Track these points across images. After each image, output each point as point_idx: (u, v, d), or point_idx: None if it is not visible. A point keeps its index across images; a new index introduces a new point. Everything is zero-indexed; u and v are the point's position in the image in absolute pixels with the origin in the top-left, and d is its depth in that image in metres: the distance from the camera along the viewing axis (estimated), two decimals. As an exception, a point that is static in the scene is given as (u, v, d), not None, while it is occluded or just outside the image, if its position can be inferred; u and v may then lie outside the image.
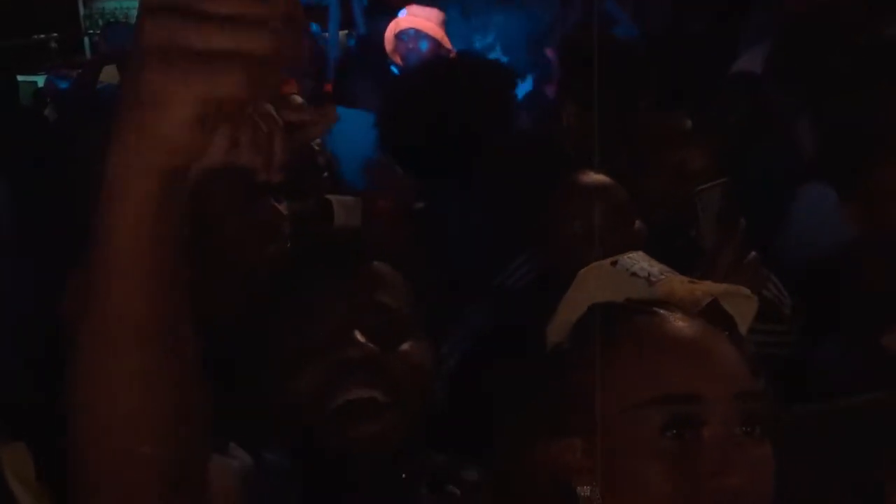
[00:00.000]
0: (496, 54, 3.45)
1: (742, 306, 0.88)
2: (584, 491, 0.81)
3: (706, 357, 0.82)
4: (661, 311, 0.85)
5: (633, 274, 0.89)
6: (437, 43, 3.33)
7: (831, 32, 2.26)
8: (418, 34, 3.31)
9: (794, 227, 2.02)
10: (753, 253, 1.26)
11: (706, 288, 0.87)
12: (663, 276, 0.89)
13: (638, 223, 1.54)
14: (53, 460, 1.28)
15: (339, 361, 0.95)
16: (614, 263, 0.93)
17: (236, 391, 1.15)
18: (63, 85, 3.97)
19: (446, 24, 3.41)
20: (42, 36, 6.81)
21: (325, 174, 1.99)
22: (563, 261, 1.42)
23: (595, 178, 1.56)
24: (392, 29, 3.38)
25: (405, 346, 0.97)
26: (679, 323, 0.84)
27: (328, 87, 3.45)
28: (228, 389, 1.04)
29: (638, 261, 0.93)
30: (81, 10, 8.22)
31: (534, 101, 3.24)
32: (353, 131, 2.24)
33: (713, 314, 0.85)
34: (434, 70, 2.38)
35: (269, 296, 1.05)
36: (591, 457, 0.80)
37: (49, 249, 1.82)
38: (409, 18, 3.36)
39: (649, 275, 0.89)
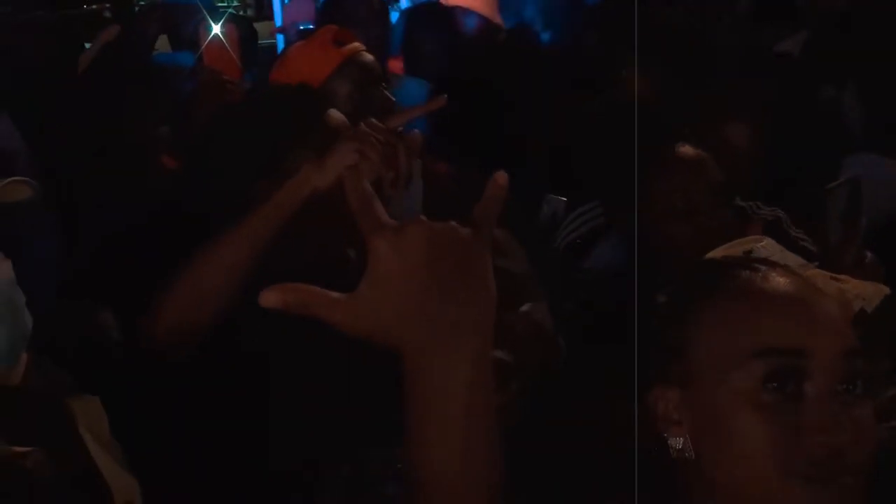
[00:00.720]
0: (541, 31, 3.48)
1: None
2: (677, 443, 0.80)
3: (813, 312, 0.80)
4: (765, 267, 0.84)
5: (821, 274, 0.87)
6: (485, 20, 3.20)
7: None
8: (465, 11, 3.19)
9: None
10: (870, 253, 1.24)
11: (856, 290, 0.84)
12: (805, 269, 0.86)
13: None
14: (125, 416, 1.28)
15: None
16: (748, 253, 0.90)
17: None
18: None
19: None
20: (94, 6, 6.91)
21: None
22: (655, 237, 1.40)
23: (694, 151, 1.51)
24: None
25: (525, 308, 1.00)
26: (785, 278, 0.83)
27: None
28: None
29: (773, 251, 0.90)
30: None
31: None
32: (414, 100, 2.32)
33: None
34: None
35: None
36: (687, 409, 0.80)
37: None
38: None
39: (833, 275, 0.86)
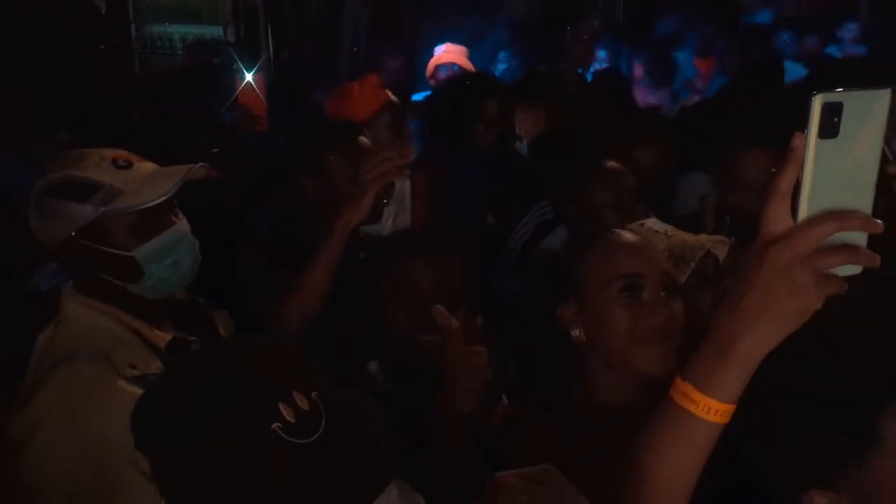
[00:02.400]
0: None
1: (722, 249, 1.39)
2: (576, 333, 1.37)
3: (646, 252, 1.38)
4: (620, 230, 1.41)
5: (656, 231, 1.36)
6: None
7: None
8: (452, 66, 4.33)
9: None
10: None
11: (704, 238, 1.36)
12: (675, 232, 1.36)
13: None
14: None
15: None
16: (642, 224, 1.40)
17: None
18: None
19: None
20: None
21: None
22: (590, 223, 1.97)
23: (618, 165, 2.16)
24: (434, 62, 4.40)
25: None
26: (631, 234, 1.41)
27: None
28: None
29: (656, 223, 1.41)
30: (133, 33, 8.99)
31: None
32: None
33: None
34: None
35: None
36: (580, 313, 1.37)
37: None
38: (448, 55, 4.39)
39: (666, 231, 1.36)
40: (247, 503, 0.88)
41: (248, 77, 3.56)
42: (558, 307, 1.38)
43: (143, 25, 8.86)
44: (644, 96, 4.41)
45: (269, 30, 8.59)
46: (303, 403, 0.90)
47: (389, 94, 2.90)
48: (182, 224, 1.62)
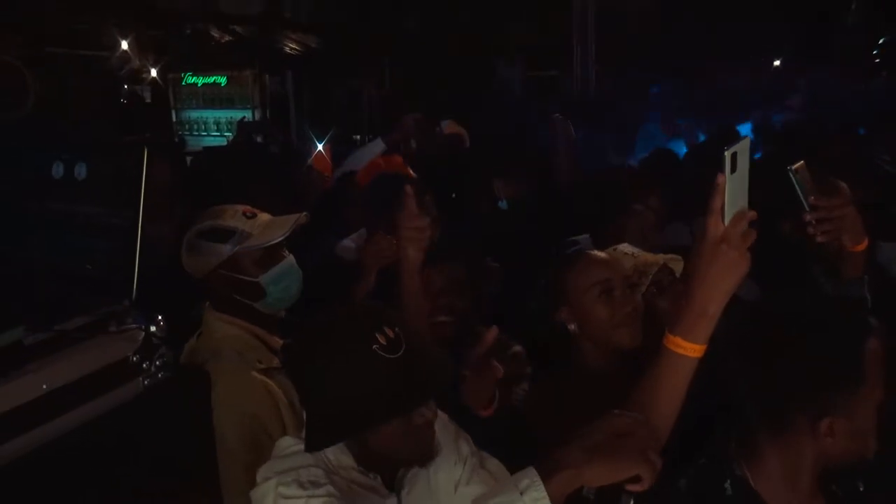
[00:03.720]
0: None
1: (678, 265, 2.01)
2: (572, 327, 2.00)
3: (615, 265, 2.04)
4: (593, 252, 2.05)
5: (626, 252, 1.99)
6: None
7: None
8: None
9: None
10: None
11: (662, 257, 1.98)
12: (641, 254, 1.99)
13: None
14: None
15: None
16: (615, 249, 2.03)
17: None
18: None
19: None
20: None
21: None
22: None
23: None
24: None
25: None
26: (604, 254, 2.06)
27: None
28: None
29: (627, 247, 2.04)
30: (173, 118, 10.03)
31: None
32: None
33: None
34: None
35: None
36: (572, 313, 2.00)
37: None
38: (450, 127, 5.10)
39: (633, 253, 1.99)
40: (362, 393, 1.37)
41: (319, 146, 4.34)
42: (558, 311, 2.01)
43: (182, 111, 9.89)
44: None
45: (296, 113, 9.47)
46: (391, 334, 1.40)
47: (411, 171, 3.57)
48: (291, 258, 2.23)
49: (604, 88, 9.87)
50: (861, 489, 1.51)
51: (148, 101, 8.97)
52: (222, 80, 9.89)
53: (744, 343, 1.43)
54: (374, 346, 1.38)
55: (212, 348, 2.15)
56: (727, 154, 1.33)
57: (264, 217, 2.21)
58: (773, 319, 1.44)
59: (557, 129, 4.58)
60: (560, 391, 1.91)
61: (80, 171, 2.90)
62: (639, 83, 9.29)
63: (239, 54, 9.35)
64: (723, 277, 1.29)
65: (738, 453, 1.45)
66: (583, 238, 2.88)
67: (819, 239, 1.80)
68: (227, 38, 9.12)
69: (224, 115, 9.87)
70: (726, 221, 1.30)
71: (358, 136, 8.34)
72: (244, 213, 2.18)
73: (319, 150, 4.43)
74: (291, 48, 9.72)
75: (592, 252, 2.04)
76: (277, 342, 2.20)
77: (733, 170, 1.31)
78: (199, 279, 2.20)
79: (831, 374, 1.36)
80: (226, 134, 9.52)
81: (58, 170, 2.96)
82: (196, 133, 9.79)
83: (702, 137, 6.56)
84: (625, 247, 2.15)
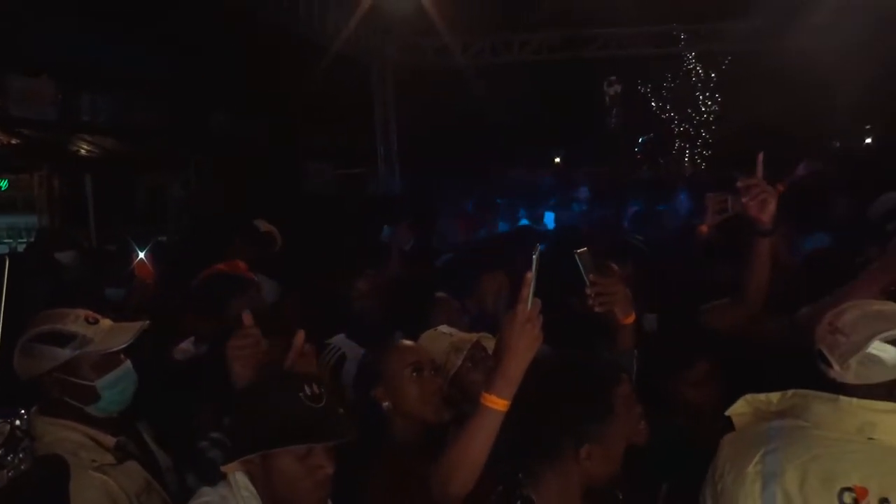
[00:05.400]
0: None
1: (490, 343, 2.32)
2: (386, 405, 2.19)
3: (419, 348, 2.30)
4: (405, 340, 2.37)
5: (444, 332, 2.28)
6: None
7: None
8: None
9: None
10: None
11: (476, 336, 2.29)
12: (457, 333, 2.29)
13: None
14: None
15: None
16: (436, 329, 2.31)
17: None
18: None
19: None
20: None
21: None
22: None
23: None
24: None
25: None
26: (408, 341, 2.34)
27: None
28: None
29: (445, 328, 2.33)
30: None
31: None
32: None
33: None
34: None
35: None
36: (387, 391, 2.19)
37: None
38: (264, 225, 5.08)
39: (451, 333, 2.28)
40: (281, 416, 1.71)
41: (141, 255, 4.29)
42: (372, 391, 2.20)
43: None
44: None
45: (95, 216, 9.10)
46: (317, 390, 1.76)
47: (252, 276, 3.48)
48: (128, 362, 2.27)
49: (406, 184, 10.49)
50: (620, 497, 1.93)
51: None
52: (3, 184, 9.34)
53: (526, 391, 1.75)
54: (300, 394, 1.75)
55: (43, 453, 2.13)
56: (535, 256, 1.72)
57: (106, 323, 2.25)
58: (549, 370, 1.84)
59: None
60: (374, 465, 2.10)
61: None
62: (438, 181, 10.01)
63: (27, 157, 8.92)
64: (527, 349, 1.70)
65: (524, 480, 1.80)
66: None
67: (597, 310, 2.19)
68: (13, 140, 8.71)
69: (3, 220, 9.29)
70: (529, 307, 1.69)
71: (165, 237, 8.16)
72: (86, 319, 2.20)
73: (141, 258, 4.38)
74: (87, 150, 9.44)
75: (403, 340, 2.33)
76: (111, 441, 2.22)
77: (536, 270, 1.71)
78: (27, 380, 2.19)
79: (587, 409, 1.78)
80: (5, 241, 8.96)
81: None
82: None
83: (503, 226, 7.24)
84: (443, 328, 2.43)
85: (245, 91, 9.66)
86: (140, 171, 9.79)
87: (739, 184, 2.37)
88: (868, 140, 17.13)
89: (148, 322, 2.26)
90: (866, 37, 8.15)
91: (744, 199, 2.34)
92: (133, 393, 2.27)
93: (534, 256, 1.71)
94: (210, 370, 2.56)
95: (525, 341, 1.69)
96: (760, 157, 2.38)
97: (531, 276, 1.70)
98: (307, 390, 1.75)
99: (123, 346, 2.18)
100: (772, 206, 2.32)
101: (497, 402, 1.70)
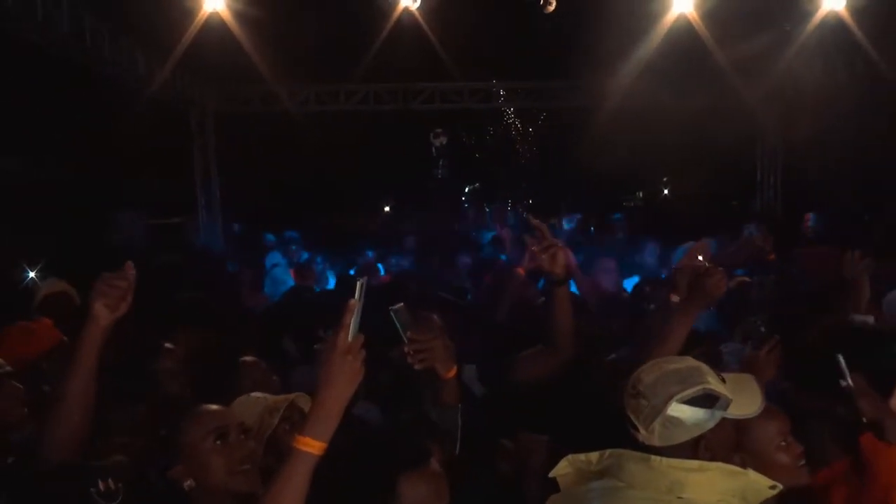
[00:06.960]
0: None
1: (306, 402, 2.19)
2: (188, 483, 1.97)
3: (224, 412, 2.09)
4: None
5: (258, 397, 2.14)
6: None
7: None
8: None
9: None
10: None
11: (291, 396, 2.18)
12: (271, 396, 2.14)
13: None
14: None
15: None
16: (249, 395, 2.15)
17: None
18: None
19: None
20: None
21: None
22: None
23: None
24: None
25: None
26: (209, 405, 2.12)
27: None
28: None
29: (259, 394, 2.17)
30: None
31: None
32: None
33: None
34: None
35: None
36: (188, 468, 1.99)
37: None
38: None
39: (265, 395, 2.18)
40: None
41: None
42: (171, 470, 1.94)
43: None
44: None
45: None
46: (112, 485, 1.68)
47: (61, 335, 3.28)
48: None
49: (230, 234, 10.11)
50: None
51: None
52: None
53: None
54: (93, 490, 1.68)
55: None
56: (359, 283, 1.61)
57: None
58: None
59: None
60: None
61: None
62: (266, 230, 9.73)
63: None
64: (348, 382, 1.56)
65: None
66: None
67: (417, 366, 2.14)
68: None
69: None
70: (350, 339, 1.56)
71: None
72: None
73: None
74: None
75: (203, 405, 2.07)
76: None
77: (361, 298, 1.60)
78: None
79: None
80: None
81: None
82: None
83: (331, 277, 7.09)
84: (256, 393, 2.27)
85: (37, 134, 8.93)
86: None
87: (529, 244, 2.61)
88: (665, 191, 18.92)
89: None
90: (666, 98, 8.95)
91: (537, 255, 2.54)
92: None
93: (359, 283, 1.59)
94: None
95: (346, 375, 1.54)
96: (538, 222, 2.59)
97: (355, 302, 1.56)
98: (102, 486, 1.60)
99: None
100: (561, 259, 2.52)
101: (312, 445, 1.52)
